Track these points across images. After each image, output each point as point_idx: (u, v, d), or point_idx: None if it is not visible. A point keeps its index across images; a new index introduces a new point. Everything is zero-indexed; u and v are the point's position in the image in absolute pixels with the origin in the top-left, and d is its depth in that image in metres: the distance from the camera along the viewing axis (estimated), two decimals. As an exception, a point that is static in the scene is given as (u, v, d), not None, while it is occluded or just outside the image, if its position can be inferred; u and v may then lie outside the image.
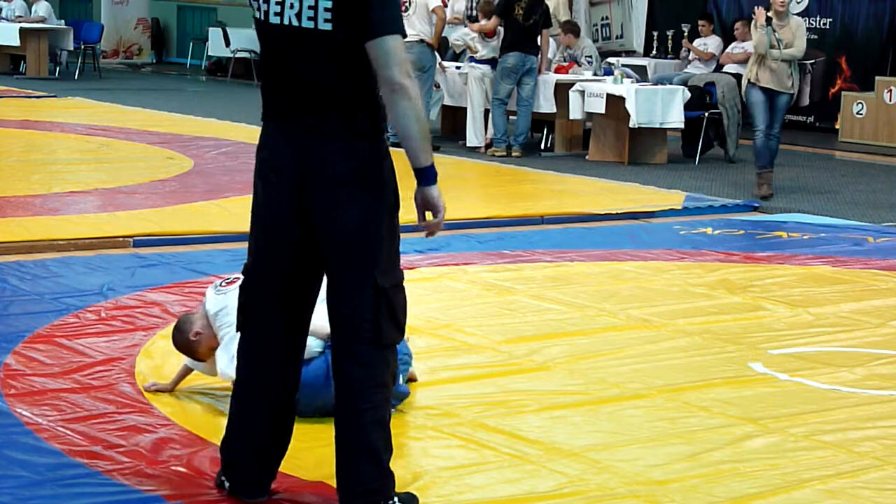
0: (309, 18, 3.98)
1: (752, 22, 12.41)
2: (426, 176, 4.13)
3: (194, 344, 5.58)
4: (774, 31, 12.06)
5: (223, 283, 5.68)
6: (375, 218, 4.12)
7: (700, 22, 18.15)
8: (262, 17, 4.08)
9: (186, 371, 5.75)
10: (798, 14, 15.76)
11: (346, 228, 4.09)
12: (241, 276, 4.47)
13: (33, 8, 23.03)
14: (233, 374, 4.94)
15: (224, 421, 5.38)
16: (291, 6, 3.99)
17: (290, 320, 4.33)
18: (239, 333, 4.50)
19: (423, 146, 4.07)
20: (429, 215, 4.20)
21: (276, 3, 4.03)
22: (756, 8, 12.62)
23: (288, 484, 4.72)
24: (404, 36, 4.06)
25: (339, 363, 4.23)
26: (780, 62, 12.13)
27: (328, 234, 4.13)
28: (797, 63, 12.37)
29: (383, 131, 4.13)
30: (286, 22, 4.01)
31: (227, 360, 5.32)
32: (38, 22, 22.76)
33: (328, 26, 3.97)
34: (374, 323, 4.11)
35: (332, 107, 4.04)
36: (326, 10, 3.96)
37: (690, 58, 17.84)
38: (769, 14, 12.20)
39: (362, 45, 3.99)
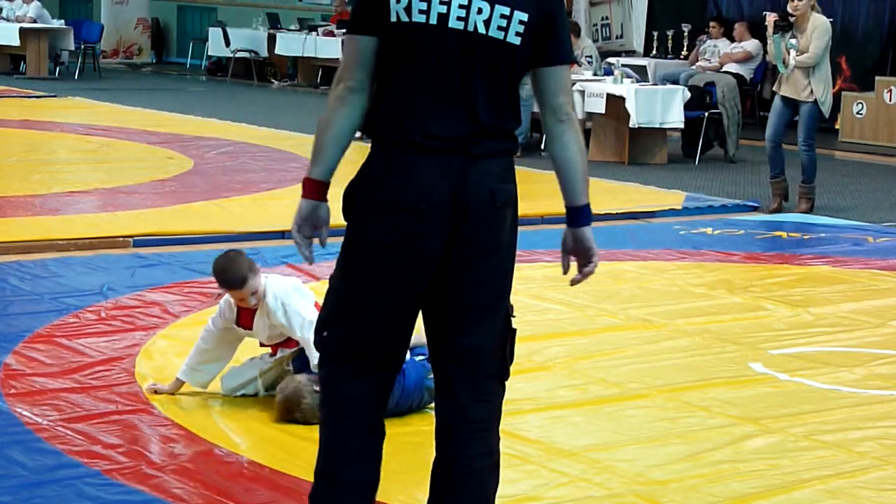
0: (499, 28, 3.70)
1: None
2: (585, 215, 3.91)
3: (252, 275, 5.44)
4: (794, 36, 11.32)
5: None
6: (515, 244, 3.90)
7: (711, 24, 18.14)
8: (436, 21, 3.68)
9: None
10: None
11: (499, 251, 3.82)
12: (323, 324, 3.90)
13: (23, 8, 23.01)
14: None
15: (224, 421, 5.39)
16: (480, 11, 3.69)
17: (400, 350, 3.91)
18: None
19: (585, 181, 3.89)
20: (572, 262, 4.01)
21: (461, 7, 3.68)
22: (767, 14, 12.04)
23: (290, 484, 4.73)
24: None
25: (456, 396, 3.84)
26: (795, 70, 11.34)
27: (482, 262, 3.79)
28: (824, 66, 11.51)
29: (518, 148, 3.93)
30: (471, 28, 3.69)
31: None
32: (29, 22, 22.74)
33: (517, 40, 3.71)
34: (503, 359, 3.87)
35: (495, 122, 3.75)
36: (521, 23, 3.71)
37: (708, 57, 17.74)
38: (791, 18, 11.43)
39: (537, 66, 3.77)
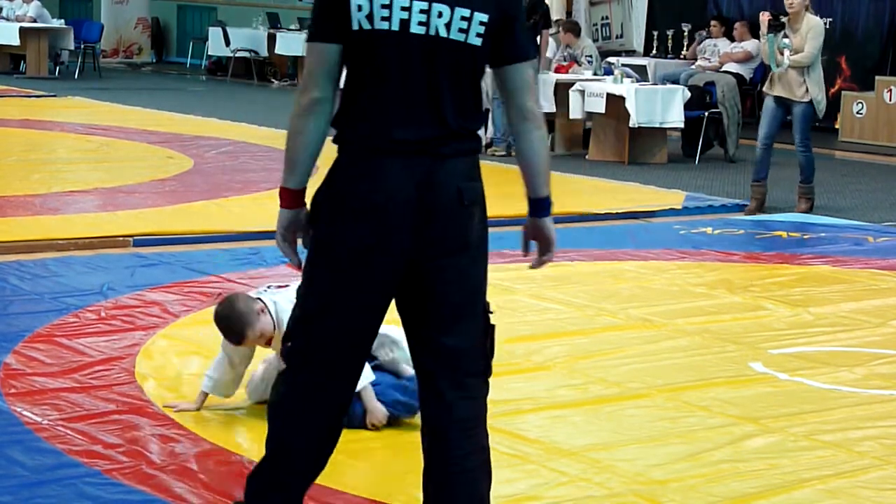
0: (460, 31, 3.73)
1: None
2: (545, 206, 4.01)
3: (256, 321, 5.21)
4: (786, 35, 11.20)
5: (275, 287, 5.44)
6: (486, 241, 3.97)
7: (712, 23, 18.13)
8: (398, 28, 3.71)
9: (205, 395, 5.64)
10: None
11: (471, 253, 3.88)
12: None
13: (23, 8, 23.01)
14: None
15: (224, 420, 5.39)
16: (440, 15, 3.72)
17: (364, 357, 3.96)
18: None
19: (547, 175, 3.99)
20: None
21: (421, 12, 3.71)
22: (761, 13, 12.11)
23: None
24: None
25: (442, 396, 3.85)
26: (788, 70, 11.19)
27: (453, 261, 3.84)
28: (818, 66, 11.35)
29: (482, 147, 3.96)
30: (433, 33, 3.72)
31: None
32: (29, 22, 22.74)
33: (478, 41, 3.76)
34: (483, 353, 3.88)
35: (459, 123, 3.79)
36: (482, 24, 3.75)
37: (708, 56, 17.74)
38: (783, 18, 11.37)
39: (499, 65, 3.83)
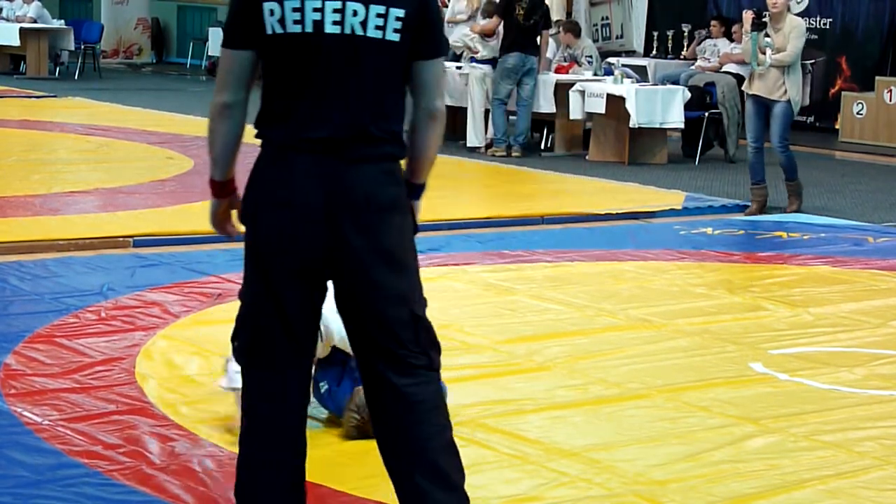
0: (377, 28, 3.74)
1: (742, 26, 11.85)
2: (420, 190, 4.02)
3: None
4: (768, 35, 11.18)
5: None
6: (409, 244, 3.91)
7: (712, 23, 18.13)
8: (312, 30, 3.73)
9: None
10: (798, 14, 15.68)
11: (383, 258, 3.81)
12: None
13: (24, 8, 23.01)
14: None
15: (223, 421, 5.39)
16: (355, 13, 3.73)
17: (308, 349, 3.99)
18: None
19: (431, 167, 4.00)
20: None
21: (335, 12, 3.72)
22: (745, 11, 12.13)
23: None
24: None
25: (395, 385, 3.86)
26: (770, 69, 11.13)
27: (363, 264, 3.80)
28: (798, 66, 11.34)
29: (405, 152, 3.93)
30: (348, 31, 3.73)
31: None
32: (29, 22, 22.74)
33: (396, 37, 3.75)
34: (424, 353, 3.88)
35: (376, 125, 3.78)
36: (398, 19, 3.75)
37: (708, 57, 17.73)
38: (765, 17, 11.39)
39: (413, 60, 3.81)
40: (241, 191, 3.98)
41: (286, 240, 3.80)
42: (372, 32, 3.74)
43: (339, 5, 3.72)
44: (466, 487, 4.85)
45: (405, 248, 3.88)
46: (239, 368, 4.04)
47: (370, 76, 3.77)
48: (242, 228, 3.92)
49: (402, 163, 3.93)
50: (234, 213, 4.01)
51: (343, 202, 3.76)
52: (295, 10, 3.73)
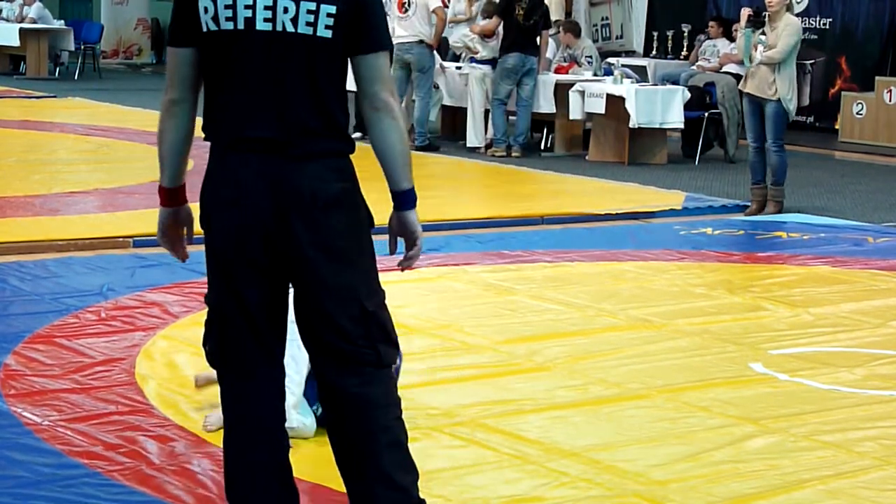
0: (307, 24, 3.71)
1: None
2: (406, 200, 3.85)
3: None
4: (764, 33, 11.17)
5: None
6: (358, 240, 3.86)
7: (710, 23, 18.13)
8: (243, 27, 3.74)
9: None
10: (798, 14, 15.69)
11: (329, 254, 3.79)
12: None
13: (25, 9, 23.02)
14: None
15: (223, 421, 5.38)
16: (286, 10, 3.71)
17: (275, 348, 3.97)
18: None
19: (406, 167, 3.84)
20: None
21: (266, 9, 3.72)
22: (743, 9, 12.12)
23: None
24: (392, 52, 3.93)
25: (338, 386, 3.86)
26: (760, 67, 11.11)
27: (309, 261, 3.78)
28: (790, 65, 11.25)
29: (354, 149, 3.89)
30: (279, 28, 3.72)
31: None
32: (30, 23, 22.75)
33: (328, 33, 3.73)
34: (372, 348, 3.84)
35: (317, 121, 3.77)
36: (329, 15, 3.71)
37: (708, 57, 17.72)
38: (764, 15, 11.31)
39: (350, 55, 3.78)
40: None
41: (238, 239, 3.83)
42: (303, 29, 3.73)
43: (269, 2, 3.72)
44: (466, 487, 4.86)
45: (354, 243, 3.83)
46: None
47: (304, 73, 3.75)
48: (194, 249, 3.92)
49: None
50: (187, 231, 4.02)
51: (289, 200, 3.76)
52: (227, 6, 3.75)
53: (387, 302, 3.93)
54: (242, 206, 3.80)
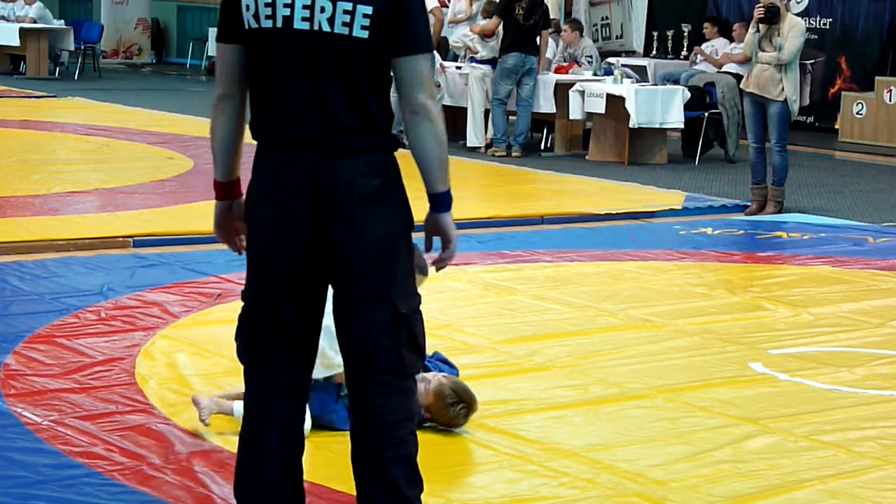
0: (344, 24, 3.73)
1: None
2: (441, 202, 3.87)
3: None
4: (770, 32, 11.17)
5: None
6: (395, 238, 3.85)
7: (705, 24, 18.13)
8: (282, 25, 3.76)
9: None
10: (798, 14, 15.68)
11: (365, 250, 3.79)
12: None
13: (25, 8, 23.02)
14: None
15: (223, 421, 5.39)
16: (322, 10, 3.74)
17: (302, 348, 3.96)
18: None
19: (442, 170, 3.85)
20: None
21: (304, 8, 3.75)
22: (757, 7, 12.12)
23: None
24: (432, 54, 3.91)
25: (359, 394, 3.89)
26: (764, 67, 11.14)
27: (344, 257, 3.79)
28: (795, 66, 11.28)
29: (398, 144, 3.90)
30: (316, 27, 3.74)
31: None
32: (30, 22, 22.75)
33: (364, 34, 3.74)
34: (396, 352, 3.83)
35: (353, 120, 3.78)
36: (365, 16, 3.73)
37: (698, 59, 17.75)
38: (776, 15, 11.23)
39: (390, 57, 3.78)
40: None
41: (275, 235, 3.83)
42: (339, 28, 3.75)
43: (308, 1, 3.75)
44: (467, 487, 4.87)
45: (389, 240, 3.83)
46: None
47: (340, 72, 3.77)
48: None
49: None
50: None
51: (326, 195, 3.77)
52: (267, 4, 3.78)
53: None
54: (281, 202, 3.80)
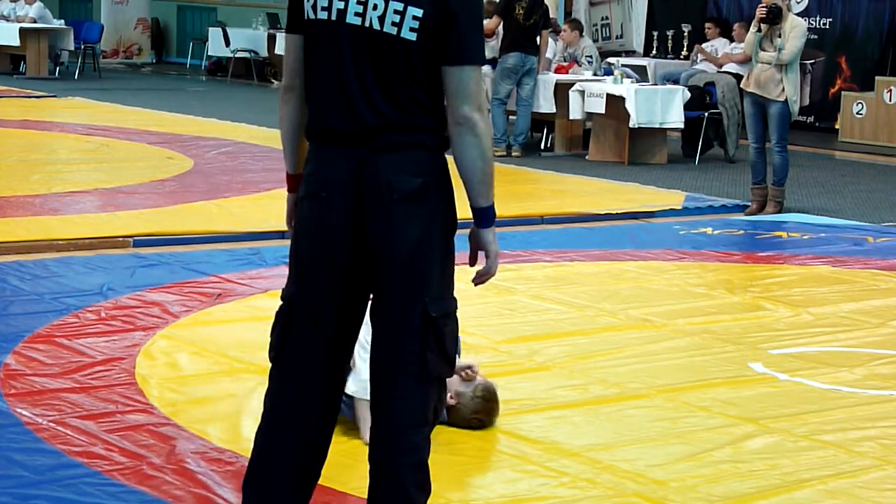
0: (393, 24, 3.71)
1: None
2: (483, 217, 3.83)
3: None
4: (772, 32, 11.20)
5: None
6: (433, 239, 3.80)
7: (707, 24, 18.12)
8: (335, 18, 3.75)
9: None
10: (798, 14, 15.68)
11: (400, 248, 3.75)
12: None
13: (25, 8, 23.02)
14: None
15: (223, 421, 5.39)
16: (375, 7, 3.72)
17: (336, 349, 3.90)
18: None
19: (484, 185, 3.80)
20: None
21: (358, 3, 3.74)
22: (759, 7, 12.12)
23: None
24: (483, 65, 3.85)
25: (378, 395, 3.84)
26: (765, 67, 11.15)
27: (382, 254, 3.75)
28: (796, 66, 11.30)
29: (447, 146, 3.84)
30: (367, 24, 3.73)
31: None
32: (30, 22, 22.75)
33: (412, 36, 3.71)
34: (420, 355, 3.77)
35: (397, 118, 3.75)
36: (415, 18, 3.71)
37: (699, 59, 17.76)
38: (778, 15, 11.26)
39: (439, 64, 3.74)
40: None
41: (317, 231, 3.80)
42: (388, 28, 3.73)
43: None
44: (467, 487, 4.87)
45: (428, 240, 3.78)
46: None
47: (388, 70, 3.74)
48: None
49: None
50: None
51: (367, 190, 3.74)
52: None
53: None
54: (324, 199, 3.77)
